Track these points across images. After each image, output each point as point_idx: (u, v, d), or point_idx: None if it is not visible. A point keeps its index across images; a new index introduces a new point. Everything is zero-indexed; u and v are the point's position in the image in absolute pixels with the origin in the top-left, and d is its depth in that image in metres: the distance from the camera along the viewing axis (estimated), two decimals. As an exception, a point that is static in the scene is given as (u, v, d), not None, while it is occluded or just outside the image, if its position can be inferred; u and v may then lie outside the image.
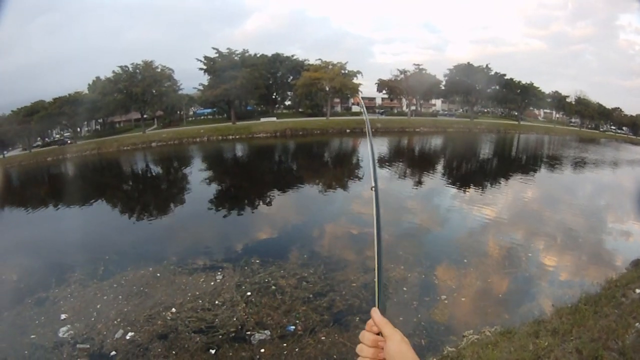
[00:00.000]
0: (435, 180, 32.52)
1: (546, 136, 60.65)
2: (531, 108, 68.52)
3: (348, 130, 58.45)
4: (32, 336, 12.04)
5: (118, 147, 53.14)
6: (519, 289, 13.86)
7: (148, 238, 20.65)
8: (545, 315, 10.66)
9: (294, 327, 11.53)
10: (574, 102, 64.79)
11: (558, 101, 65.46)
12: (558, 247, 17.57)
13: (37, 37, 62.54)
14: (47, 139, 57.29)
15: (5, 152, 52.90)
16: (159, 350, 10.88)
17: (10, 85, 54.54)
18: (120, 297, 13.91)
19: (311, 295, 13.20)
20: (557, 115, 69.65)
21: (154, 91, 56.28)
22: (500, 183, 30.36)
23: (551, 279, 14.63)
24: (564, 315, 9.74)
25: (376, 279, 1.70)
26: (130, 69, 55.40)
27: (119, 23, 74.41)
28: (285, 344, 10.80)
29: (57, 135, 58.56)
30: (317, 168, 37.18)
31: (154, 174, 42.57)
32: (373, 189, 1.94)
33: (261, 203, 26.22)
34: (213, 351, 10.70)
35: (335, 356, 10.29)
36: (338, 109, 70.09)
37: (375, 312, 1.57)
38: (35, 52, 59.52)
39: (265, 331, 11.33)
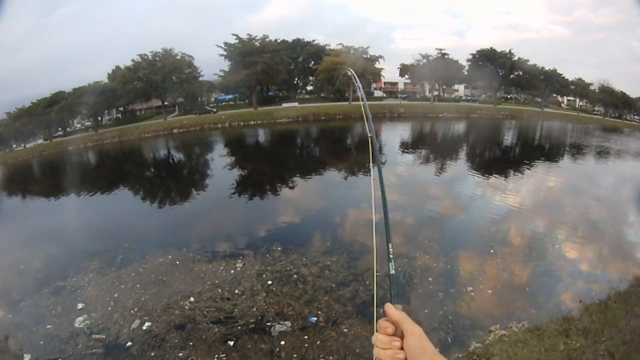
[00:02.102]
0: (458, 166, 31.84)
1: (569, 124, 59.32)
2: (554, 95, 67.25)
3: (370, 115, 57.21)
4: (48, 326, 11.89)
5: (139, 134, 53.13)
6: (545, 282, 13.25)
7: (168, 225, 20.35)
8: (573, 311, 10.20)
9: (315, 318, 11.12)
10: (597, 90, 63.49)
11: (581, 89, 64.17)
12: (582, 239, 16.84)
13: (55, 30, 62.62)
14: (68, 128, 57.59)
15: (26, 143, 53.23)
16: (176, 341, 10.58)
17: (31, 78, 54.86)
18: (138, 285, 13.66)
19: (334, 285, 12.76)
20: (581, 103, 68.30)
21: (174, 78, 55.97)
22: (523, 170, 29.48)
23: (576, 272, 13.98)
24: (593, 313, 9.41)
25: (373, 276, 1.43)
26: (150, 57, 55.11)
27: (138, 12, 74.06)
28: (306, 336, 10.41)
29: (79, 125, 58.91)
30: (340, 153, 36.60)
31: (175, 160, 42.38)
32: (373, 166, 1.93)
33: (283, 189, 25.79)
34: (231, 343, 10.34)
35: (357, 350, 9.86)
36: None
37: (389, 307, 1.47)
38: (55, 44, 59.61)
39: (286, 322, 10.94)
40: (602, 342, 7.94)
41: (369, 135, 2.12)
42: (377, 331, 1.47)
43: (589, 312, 9.50)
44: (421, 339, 1.38)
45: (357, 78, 2.29)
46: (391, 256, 1.67)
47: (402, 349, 1.40)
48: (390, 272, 1.65)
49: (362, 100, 2.21)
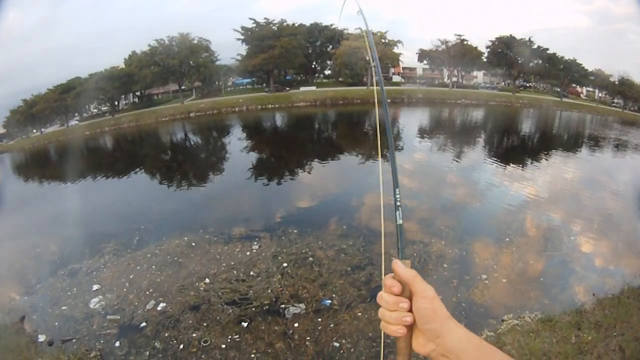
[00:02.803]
0: (475, 154, 31.53)
1: (588, 115, 58.28)
2: (574, 85, 66.22)
3: (389, 100, 56.71)
4: (64, 307, 11.98)
5: (156, 118, 53.15)
6: (560, 273, 13.07)
7: (185, 207, 20.42)
8: (586, 304, 9.99)
9: (329, 301, 11.06)
10: (617, 82, 62.37)
11: (601, 80, 62.92)
12: (598, 233, 16.48)
13: (71, 16, 62.77)
14: (84, 114, 57.96)
15: (43, 129, 53.67)
16: (190, 322, 10.59)
17: (47, 64, 55.14)
18: (153, 267, 13.72)
19: (349, 268, 12.69)
20: (600, 95, 67.15)
21: (191, 62, 55.85)
22: (540, 160, 29.11)
23: (591, 265, 13.76)
24: (606, 307, 9.23)
25: (382, 223, 1.61)
26: (167, 42, 54.99)
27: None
28: (319, 319, 10.37)
29: (95, 110, 59.28)
30: (357, 137, 36.31)
31: (192, 143, 42.53)
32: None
33: (300, 172, 25.81)
34: (245, 324, 10.32)
35: (370, 334, 9.77)
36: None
37: (397, 265, 1.35)
38: (71, 30, 59.75)
39: (300, 304, 10.90)
40: (613, 336, 7.84)
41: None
42: (383, 290, 1.37)
43: (602, 306, 9.36)
44: (433, 301, 1.29)
45: (381, 75, 2.09)
46: (398, 204, 1.53)
47: (410, 310, 1.31)
48: (397, 222, 1.50)
49: (379, 85, 1.89)
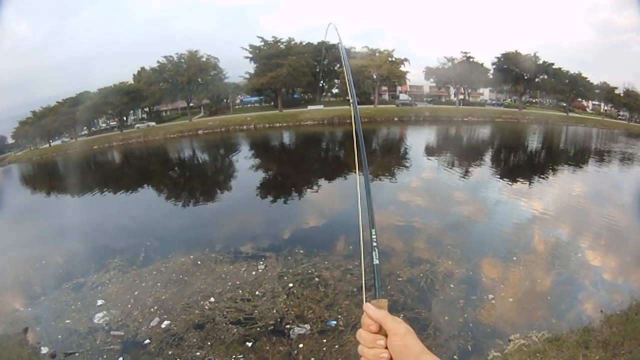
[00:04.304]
0: (483, 171, 31.41)
1: (594, 129, 58.16)
2: (579, 99, 66.22)
3: (396, 119, 57.43)
4: (67, 321, 12.01)
5: (164, 135, 53.53)
6: (567, 291, 12.91)
7: (191, 225, 20.44)
8: (594, 322, 9.91)
9: (335, 322, 10.99)
10: (622, 95, 62.25)
11: (606, 93, 62.83)
12: (605, 248, 16.36)
13: (81, 30, 63.59)
14: (93, 128, 58.44)
15: (51, 141, 54.11)
16: (194, 340, 10.56)
17: (56, 77, 55.75)
18: (158, 284, 13.71)
19: (355, 289, 12.60)
20: (606, 108, 67.00)
21: (200, 80, 56.32)
22: (547, 176, 28.97)
23: (599, 281, 13.60)
24: (614, 324, 9.15)
25: (362, 266, 1.59)
26: (175, 59, 55.48)
27: (164, 13, 74.85)
28: (325, 340, 10.28)
29: (104, 125, 59.75)
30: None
31: (200, 161, 42.74)
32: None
33: (307, 191, 25.68)
34: (250, 344, 10.28)
35: (376, 356, 9.59)
36: (385, 97, 69.02)
37: (368, 307, 1.41)
38: (80, 45, 60.46)
39: (305, 325, 10.83)
40: (621, 354, 7.78)
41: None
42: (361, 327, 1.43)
43: (609, 323, 9.28)
44: (405, 338, 1.32)
45: (355, 98, 2.03)
46: (375, 244, 1.57)
47: (387, 347, 1.34)
48: (374, 262, 1.55)
49: (352, 102, 2.10)
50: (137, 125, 58.48)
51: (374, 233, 1.58)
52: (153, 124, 58.53)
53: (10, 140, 53.43)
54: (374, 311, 1.38)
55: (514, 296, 12.44)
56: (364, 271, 1.58)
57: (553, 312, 11.52)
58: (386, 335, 1.35)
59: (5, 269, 16.21)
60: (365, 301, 1.47)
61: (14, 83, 48.30)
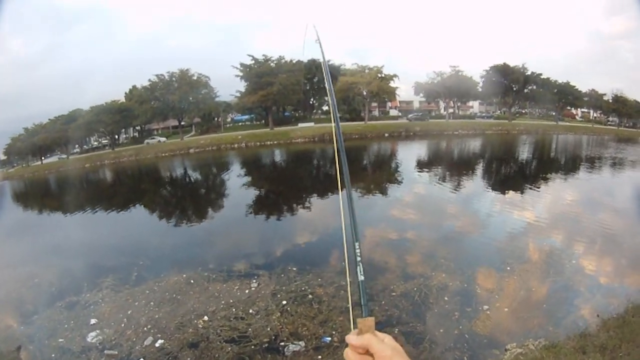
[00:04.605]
0: (474, 183, 31.53)
1: (584, 136, 58.74)
2: (568, 108, 66.84)
3: (386, 135, 57.73)
4: (60, 340, 11.94)
5: (156, 153, 53.63)
6: (563, 298, 12.95)
7: (184, 244, 20.42)
8: (590, 327, 9.94)
9: (329, 338, 10.94)
10: (610, 101, 62.93)
11: (595, 100, 63.62)
12: (600, 253, 16.55)
13: (73, 48, 63.83)
14: (85, 146, 58.42)
15: (43, 159, 54.12)
16: (189, 359, 10.51)
17: (48, 95, 55.94)
18: (152, 303, 13.63)
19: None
20: (595, 115, 67.73)
21: (191, 98, 56.57)
22: (539, 185, 29.12)
23: (595, 286, 13.68)
24: (611, 328, 9.20)
25: (348, 285, 1.60)
26: (167, 77, 55.90)
27: (156, 32, 75.34)
28: (319, 356, 10.26)
29: (96, 143, 59.72)
30: (356, 172, 36.13)
31: (192, 179, 42.73)
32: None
33: (299, 209, 25.65)
34: (244, 362, 10.15)
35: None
36: (376, 113, 69.41)
37: (351, 339, 1.35)
38: (72, 63, 60.70)
39: (300, 342, 10.79)
40: (619, 358, 7.81)
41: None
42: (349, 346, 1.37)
43: (606, 327, 9.33)
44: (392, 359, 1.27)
45: (337, 115, 1.97)
46: (359, 258, 1.50)
47: None
48: (359, 279, 1.48)
49: (334, 119, 1.96)
50: (146, 141, 58.81)
51: (357, 247, 1.53)
52: (164, 139, 58.84)
53: (1, 157, 53.37)
54: (355, 339, 1.33)
55: (509, 306, 12.45)
56: (350, 289, 1.64)
57: (549, 320, 11.55)
58: (373, 357, 1.30)
59: (-2, 286, 16.13)
60: (352, 320, 1.46)
61: (6, 99, 48.58)
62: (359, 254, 1.50)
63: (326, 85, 1.96)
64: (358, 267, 1.48)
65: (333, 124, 1.93)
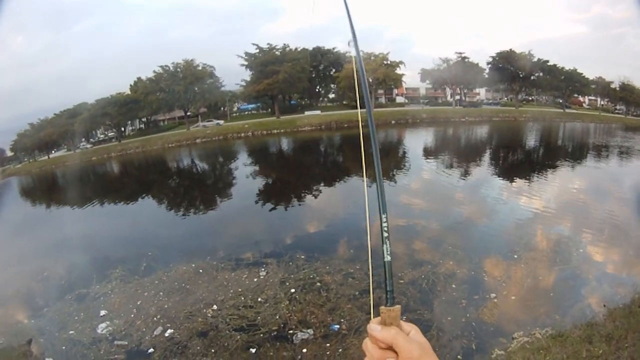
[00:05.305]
0: (482, 170, 31.39)
1: (591, 124, 57.91)
2: (575, 95, 66.13)
3: (393, 122, 57.13)
4: (71, 332, 12.07)
5: (162, 144, 53.46)
6: (570, 287, 12.91)
7: (192, 234, 20.44)
8: (597, 316, 9.89)
9: (338, 326, 11.01)
10: (618, 89, 62.14)
11: (602, 87, 62.74)
12: (607, 242, 16.38)
13: (77, 42, 63.55)
14: (91, 139, 58.47)
15: (49, 153, 54.33)
16: (198, 348, 10.59)
17: (53, 89, 55.82)
18: (161, 293, 13.74)
19: (357, 293, 12.61)
20: (602, 102, 66.82)
21: (196, 89, 56.22)
22: (546, 173, 28.88)
23: (601, 275, 13.59)
24: (617, 318, 9.12)
25: (370, 269, 1.38)
26: (171, 68, 55.59)
27: (159, 23, 74.81)
28: (328, 344, 10.32)
29: (102, 136, 59.77)
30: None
31: (199, 169, 42.70)
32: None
33: (307, 197, 25.68)
34: (253, 350, 10.33)
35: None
36: (382, 100, 69.12)
37: (374, 330, 1.19)
38: (76, 56, 60.46)
39: (308, 330, 10.87)
40: (625, 348, 7.74)
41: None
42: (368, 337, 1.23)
43: (612, 318, 9.25)
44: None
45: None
46: (386, 234, 1.30)
47: None
48: (385, 259, 1.28)
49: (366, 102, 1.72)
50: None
51: (384, 220, 1.31)
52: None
53: (9, 153, 53.42)
54: (380, 333, 1.18)
55: (516, 294, 12.45)
56: (372, 274, 1.41)
57: (556, 309, 11.52)
58: (397, 353, 1.16)
59: (7, 282, 16.25)
60: (373, 308, 1.28)
61: (11, 95, 48.36)
62: (386, 230, 1.31)
63: (355, 67, 1.75)
64: (385, 245, 1.29)
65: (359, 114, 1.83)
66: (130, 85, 56.42)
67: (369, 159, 1.54)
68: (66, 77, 55.77)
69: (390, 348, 1.17)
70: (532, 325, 10.40)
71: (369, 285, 1.40)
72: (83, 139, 56.64)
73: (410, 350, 1.14)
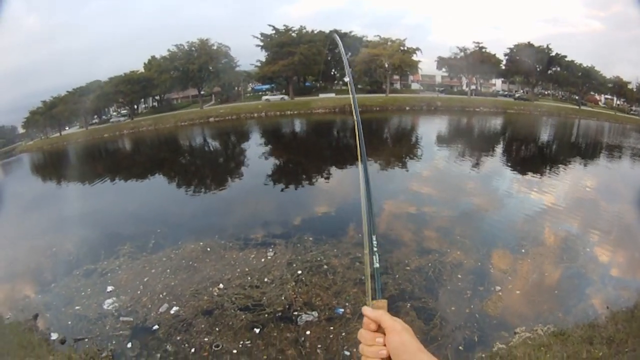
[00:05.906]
0: (494, 162, 31.17)
1: (606, 123, 57.08)
2: (592, 93, 65.41)
3: (407, 108, 57.06)
4: (77, 307, 12.15)
5: (175, 122, 53.56)
6: (575, 286, 12.81)
7: (202, 212, 20.57)
8: (599, 318, 9.91)
9: (342, 309, 11.02)
10: (634, 90, 61.25)
11: (619, 87, 61.85)
12: (614, 243, 16.11)
13: (92, 19, 63.41)
14: (104, 116, 58.70)
15: (62, 130, 54.51)
16: (202, 326, 10.66)
17: (67, 67, 55.78)
18: (168, 270, 13.80)
19: (363, 277, 12.46)
20: (618, 102, 65.96)
21: (211, 68, 56.32)
22: (558, 169, 28.64)
23: (607, 277, 13.45)
24: (619, 321, 9.14)
25: (367, 267, 1.70)
26: (186, 47, 55.55)
27: (174, 2, 74.50)
28: (332, 327, 10.33)
29: (114, 113, 60.02)
30: (376, 145, 35.68)
31: (211, 148, 42.82)
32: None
33: (318, 179, 25.61)
34: (257, 330, 10.35)
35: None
36: (397, 86, 68.71)
37: (366, 309, 1.50)
38: (90, 34, 60.39)
39: (313, 312, 10.89)
40: (624, 352, 7.76)
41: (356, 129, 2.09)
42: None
43: (615, 320, 9.27)
44: (402, 334, 1.38)
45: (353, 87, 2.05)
46: (375, 249, 1.68)
47: (385, 344, 1.41)
48: (374, 265, 1.66)
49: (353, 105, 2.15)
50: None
51: (374, 239, 1.70)
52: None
53: (20, 130, 53.78)
54: (370, 311, 1.46)
55: (521, 289, 12.40)
56: (368, 271, 1.70)
57: (559, 306, 11.48)
58: (385, 334, 1.41)
59: (16, 257, 16.42)
60: (367, 302, 1.55)
61: (24, 73, 48.50)
62: (375, 246, 1.69)
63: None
64: (374, 257, 1.67)
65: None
66: (144, 63, 56.58)
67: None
68: (79, 55, 55.97)
69: (379, 330, 1.43)
70: (534, 321, 10.40)
71: (365, 279, 1.72)
72: (95, 117, 56.88)
73: (393, 325, 1.40)
